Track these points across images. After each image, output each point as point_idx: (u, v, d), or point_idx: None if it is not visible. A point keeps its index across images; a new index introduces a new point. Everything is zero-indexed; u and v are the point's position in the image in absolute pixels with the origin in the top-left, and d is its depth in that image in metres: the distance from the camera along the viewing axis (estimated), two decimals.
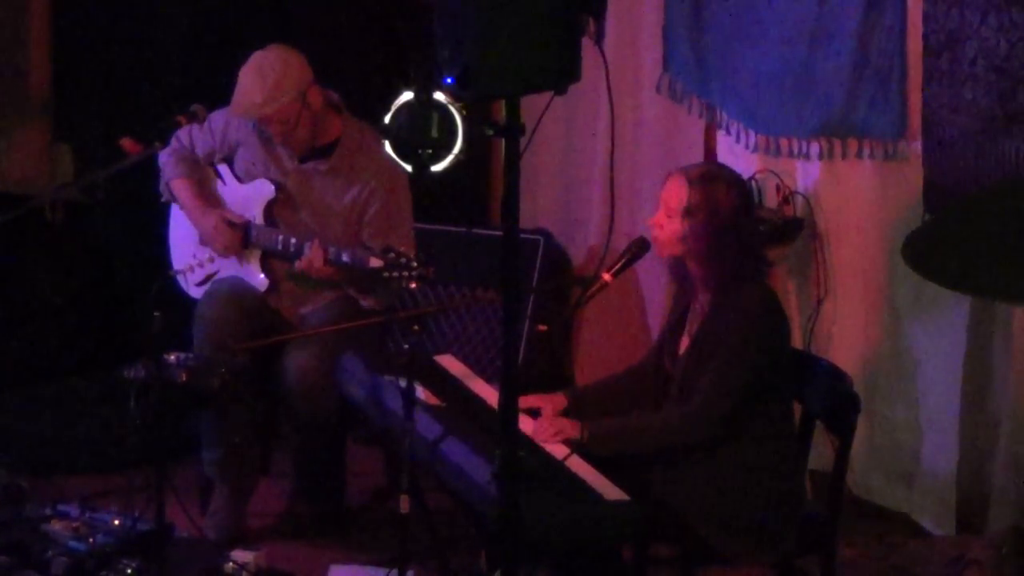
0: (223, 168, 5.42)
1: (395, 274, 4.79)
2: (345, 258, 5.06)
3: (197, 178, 5.42)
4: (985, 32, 4.94)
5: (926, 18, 5.11)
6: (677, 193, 4.34)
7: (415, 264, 4.77)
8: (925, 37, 5.12)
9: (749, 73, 5.60)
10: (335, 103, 5.32)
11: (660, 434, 4.31)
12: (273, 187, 5.31)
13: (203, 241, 5.41)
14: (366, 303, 5.30)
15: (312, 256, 5.08)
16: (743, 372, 4.27)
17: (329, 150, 5.31)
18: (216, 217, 5.33)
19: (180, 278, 5.45)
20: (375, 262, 4.83)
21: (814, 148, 5.48)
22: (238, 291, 5.33)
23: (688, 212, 4.31)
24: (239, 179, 5.40)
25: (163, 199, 5.50)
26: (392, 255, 4.79)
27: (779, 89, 5.51)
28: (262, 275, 5.35)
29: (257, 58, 5.21)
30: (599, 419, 4.39)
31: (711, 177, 4.35)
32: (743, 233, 4.35)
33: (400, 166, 4.88)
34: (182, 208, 5.45)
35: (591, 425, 4.34)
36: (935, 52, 5.10)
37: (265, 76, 5.15)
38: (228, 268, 5.41)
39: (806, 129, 5.46)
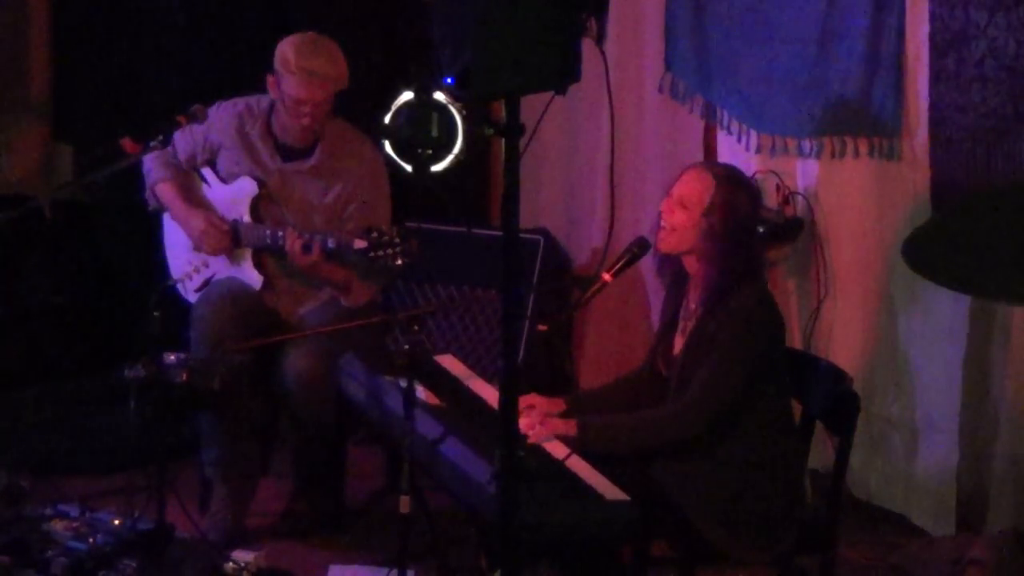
0: (207, 171, 5.41)
1: (380, 252, 4.81)
2: (330, 244, 5.08)
3: (181, 181, 5.42)
4: (993, 32, 4.94)
5: (932, 18, 5.11)
6: (700, 188, 4.32)
7: (397, 240, 4.80)
8: (931, 37, 5.12)
9: (755, 73, 5.60)
10: None
11: (652, 430, 4.30)
12: (256, 184, 5.31)
13: (195, 245, 5.41)
14: (347, 301, 5.31)
15: (294, 246, 5.10)
16: (737, 370, 4.26)
17: (311, 150, 5.32)
18: (202, 218, 5.33)
19: (179, 286, 5.45)
20: (359, 243, 4.86)
21: (821, 147, 5.47)
22: (234, 291, 5.33)
23: (710, 210, 4.30)
24: (223, 181, 5.40)
25: (149, 207, 5.49)
26: (374, 235, 4.81)
27: (790, 89, 5.51)
28: (256, 272, 5.35)
29: (322, 39, 5.25)
30: (592, 415, 4.39)
31: (735, 179, 4.36)
32: (752, 236, 4.36)
33: (379, 160, 4.91)
34: (168, 211, 5.44)
35: (584, 421, 4.33)
36: (941, 52, 5.10)
37: (336, 56, 5.22)
38: (223, 270, 5.41)
39: (817, 128, 5.46)
